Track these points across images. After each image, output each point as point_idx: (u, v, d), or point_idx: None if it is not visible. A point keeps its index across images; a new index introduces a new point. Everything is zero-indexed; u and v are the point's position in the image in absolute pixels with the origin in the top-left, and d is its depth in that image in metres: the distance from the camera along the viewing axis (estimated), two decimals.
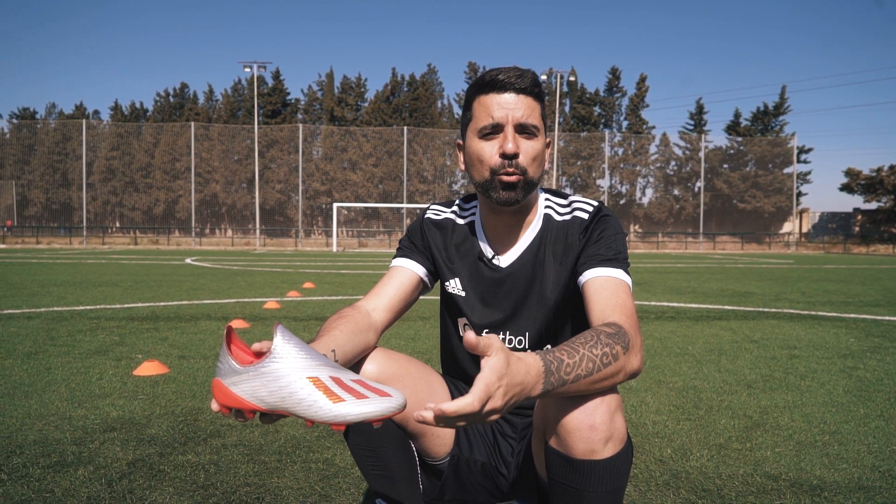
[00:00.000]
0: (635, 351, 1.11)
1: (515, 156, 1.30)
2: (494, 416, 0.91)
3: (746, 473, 2.14)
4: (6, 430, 2.51)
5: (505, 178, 1.31)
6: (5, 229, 42.29)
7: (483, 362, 0.90)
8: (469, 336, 0.89)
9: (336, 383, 0.94)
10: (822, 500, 1.92)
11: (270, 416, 0.98)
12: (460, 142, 1.43)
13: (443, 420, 0.86)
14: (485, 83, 1.31)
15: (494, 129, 1.31)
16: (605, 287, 1.26)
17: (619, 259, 1.31)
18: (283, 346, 0.95)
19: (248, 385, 0.96)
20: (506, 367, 0.90)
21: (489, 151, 1.32)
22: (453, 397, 1.48)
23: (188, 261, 18.35)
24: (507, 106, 1.29)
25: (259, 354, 1.02)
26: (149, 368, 3.50)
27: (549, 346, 1.43)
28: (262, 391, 0.95)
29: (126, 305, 6.72)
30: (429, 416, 0.86)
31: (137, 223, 47.60)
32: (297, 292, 8.38)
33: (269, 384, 0.94)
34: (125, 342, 4.48)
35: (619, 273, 1.29)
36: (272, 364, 0.94)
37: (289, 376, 0.93)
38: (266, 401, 0.95)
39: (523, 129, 1.31)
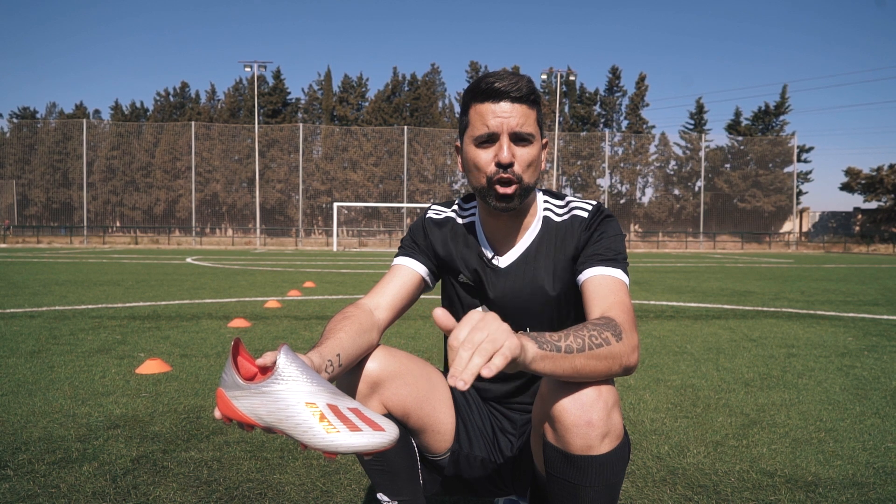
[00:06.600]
0: (630, 344, 1.13)
1: (511, 164, 1.32)
2: (487, 343, 0.91)
3: (742, 470, 2.16)
4: (11, 427, 2.54)
5: (500, 188, 1.33)
6: (4, 229, 42.29)
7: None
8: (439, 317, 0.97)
9: (332, 412, 0.96)
10: (817, 496, 1.95)
11: (271, 429, 1.01)
12: (458, 144, 1.46)
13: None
14: (480, 91, 1.32)
15: (490, 138, 1.33)
16: (602, 285, 1.29)
17: (618, 259, 1.34)
18: (286, 369, 0.97)
19: (248, 401, 0.98)
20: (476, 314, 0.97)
21: (485, 159, 1.34)
22: (454, 394, 1.51)
23: (189, 260, 18.37)
24: (503, 115, 1.31)
25: (263, 369, 1.04)
26: (151, 367, 3.53)
27: None
28: (261, 410, 0.98)
29: (127, 304, 6.75)
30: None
31: (138, 223, 47.63)
32: (298, 291, 8.40)
33: (268, 404, 0.97)
34: (127, 341, 4.51)
35: (617, 273, 1.31)
36: (273, 385, 0.97)
37: (287, 400, 0.96)
38: (264, 419, 0.98)
39: (518, 138, 1.32)
